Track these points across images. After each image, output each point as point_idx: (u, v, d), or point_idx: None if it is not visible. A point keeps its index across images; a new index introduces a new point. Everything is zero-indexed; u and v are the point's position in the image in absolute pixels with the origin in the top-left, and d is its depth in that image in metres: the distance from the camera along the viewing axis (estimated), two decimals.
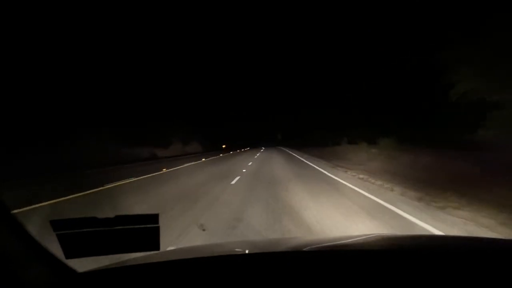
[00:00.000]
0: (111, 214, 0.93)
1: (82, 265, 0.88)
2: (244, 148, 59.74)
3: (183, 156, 31.70)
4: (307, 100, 39.63)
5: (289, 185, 7.51)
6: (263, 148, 58.32)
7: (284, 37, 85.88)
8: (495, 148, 8.00)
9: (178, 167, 15.17)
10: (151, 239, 0.94)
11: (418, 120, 13.13)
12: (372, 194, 6.02)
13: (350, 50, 21.48)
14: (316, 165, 13.26)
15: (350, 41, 21.16)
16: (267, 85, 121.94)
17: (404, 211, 4.53)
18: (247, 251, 1.34)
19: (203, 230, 3.91)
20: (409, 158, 11.16)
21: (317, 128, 31.90)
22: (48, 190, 8.34)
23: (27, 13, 18.35)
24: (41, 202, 6.23)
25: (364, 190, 6.47)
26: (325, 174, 10.01)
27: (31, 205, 5.95)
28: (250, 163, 16.15)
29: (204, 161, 20.67)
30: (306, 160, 16.94)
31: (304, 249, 1.18)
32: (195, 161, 19.81)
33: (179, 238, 3.54)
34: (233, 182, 8.43)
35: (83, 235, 0.90)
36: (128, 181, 9.79)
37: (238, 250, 1.41)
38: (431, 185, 6.36)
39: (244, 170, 12.06)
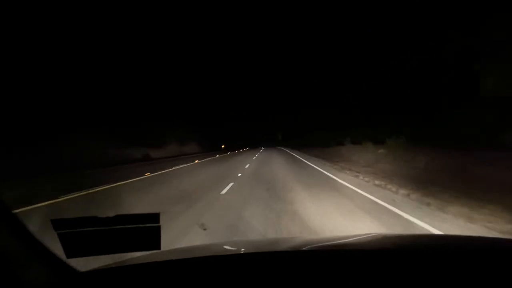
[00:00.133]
0: None
1: (83, 264, 0.90)
2: (243, 148, 58.61)
3: (177, 157, 30.38)
4: (307, 100, 40.73)
5: (293, 196, 6.05)
6: (263, 148, 57.23)
7: (284, 37, 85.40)
8: None
9: (165, 171, 13.34)
10: (152, 239, 0.93)
11: (434, 119, 11.96)
12: (406, 212, 4.51)
13: (350, 49, 21.75)
14: (322, 168, 11.76)
15: (350, 41, 21.44)
16: (267, 85, 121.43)
17: None
18: (247, 251, 1.31)
19: (204, 229, 3.78)
20: (425, 160, 9.77)
21: (317, 128, 31.55)
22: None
23: (25, 13, 18.40)
24: None
25: (393, 205, 4.98)
26: (334, 180, 8.54)
27: None
28: (247, 165, 14.64)
29: (197, 163, 19.05)
30: (309, 162, 15.40)
31: (303, 249, 1.16)
32: (187, 163, 18.28)
33: None
34: (224, 192, 6.90)
35: (84, 235, 0.88)
36: (85, 192, 7.42)
37: (238, 249, 1.39)
38: (477, 198, 4.91)
39: (239, 174, 10.57)
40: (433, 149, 10.14)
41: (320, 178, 8.95)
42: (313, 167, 12.77)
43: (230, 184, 7.93)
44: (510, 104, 8.46)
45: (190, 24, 66.27)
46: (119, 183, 9.21)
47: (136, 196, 6.91)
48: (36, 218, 4.75)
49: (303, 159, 17.99)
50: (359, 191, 6.48)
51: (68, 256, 0.84)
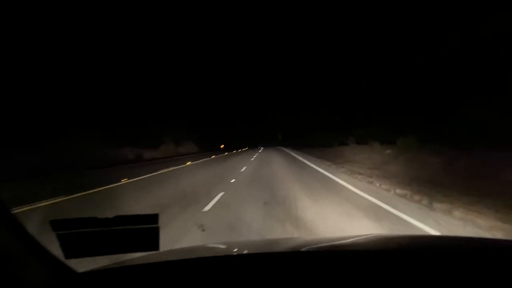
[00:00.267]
0: None
1: (81, 265, 0.89)
2: (242, 148, 57.26)
3: (171, 158, 29.02)
4: (308, 100, 40.63)
5: (297, 212, 4.62)
6: (262, 148, 55.83)
7: (284, 37, 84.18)
8: None
9: (146, 176, 11.68)
10: (151, 239, 0.91)
11: (440, 118, 10.76)
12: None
13: (350, 49, 21.39)
14: (329, 172, 10.23)
15: (350, 41, 21.11)
16: (267, 85, 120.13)
17: None
18: (246, 251, 1.32)
19: (203, 230, 3.78)
20: (442, 161, 8.41)
21: (317, 128, 30.85)
22: None
23: (25, 13, 18.35)
24: None
25: (432, 226, 3.56)
26: (346, 188, 7.11)
27: None
28: (243, 168, 13.19)
29: (188, 165, 17.57)
30: (313, 164, 13.93)
31: (303, 249, 1.17)
32: (177, 166, 16.80)
33: None
34: (207, 208, 5.32)
35: (83, 235, 0.87)
36: (33, 206, 6.10)
37: (237, 250, 1.35)
38: None
39: (233, 180, 9.12)
40: (444, 149, 8.87)
41: (329, 184, 7.54)
42: (318, 170, 11.29)
43: (220, 195, 6.47)
44: None
45: (189, 24, 65.09)
46: (69, 197, 7.24)
47: (105, 211, 5.47)
48: None
49: (304, 160, 16.56)
50: (385, 207, 5.01)
51: (67, 257, 0.83)
